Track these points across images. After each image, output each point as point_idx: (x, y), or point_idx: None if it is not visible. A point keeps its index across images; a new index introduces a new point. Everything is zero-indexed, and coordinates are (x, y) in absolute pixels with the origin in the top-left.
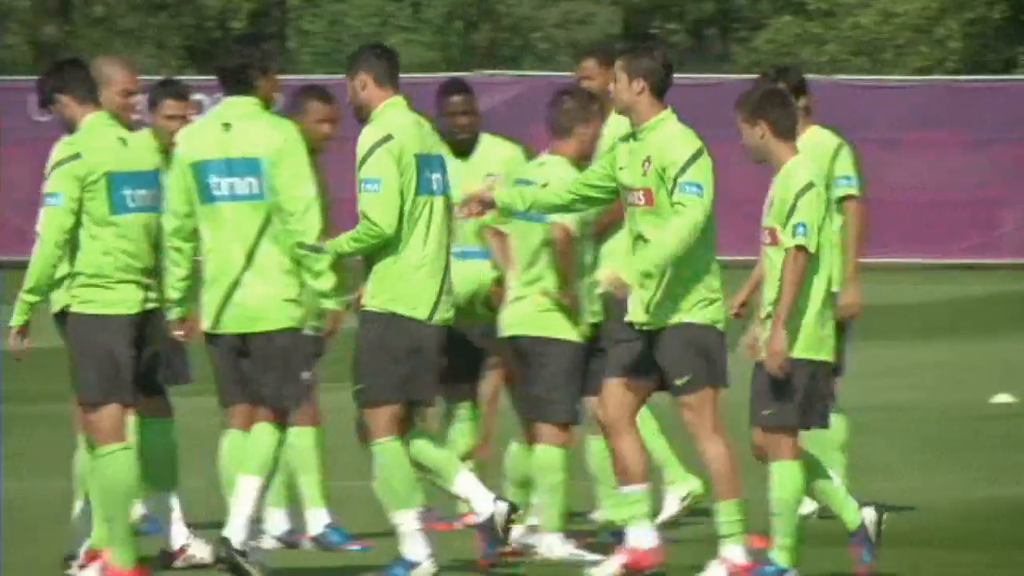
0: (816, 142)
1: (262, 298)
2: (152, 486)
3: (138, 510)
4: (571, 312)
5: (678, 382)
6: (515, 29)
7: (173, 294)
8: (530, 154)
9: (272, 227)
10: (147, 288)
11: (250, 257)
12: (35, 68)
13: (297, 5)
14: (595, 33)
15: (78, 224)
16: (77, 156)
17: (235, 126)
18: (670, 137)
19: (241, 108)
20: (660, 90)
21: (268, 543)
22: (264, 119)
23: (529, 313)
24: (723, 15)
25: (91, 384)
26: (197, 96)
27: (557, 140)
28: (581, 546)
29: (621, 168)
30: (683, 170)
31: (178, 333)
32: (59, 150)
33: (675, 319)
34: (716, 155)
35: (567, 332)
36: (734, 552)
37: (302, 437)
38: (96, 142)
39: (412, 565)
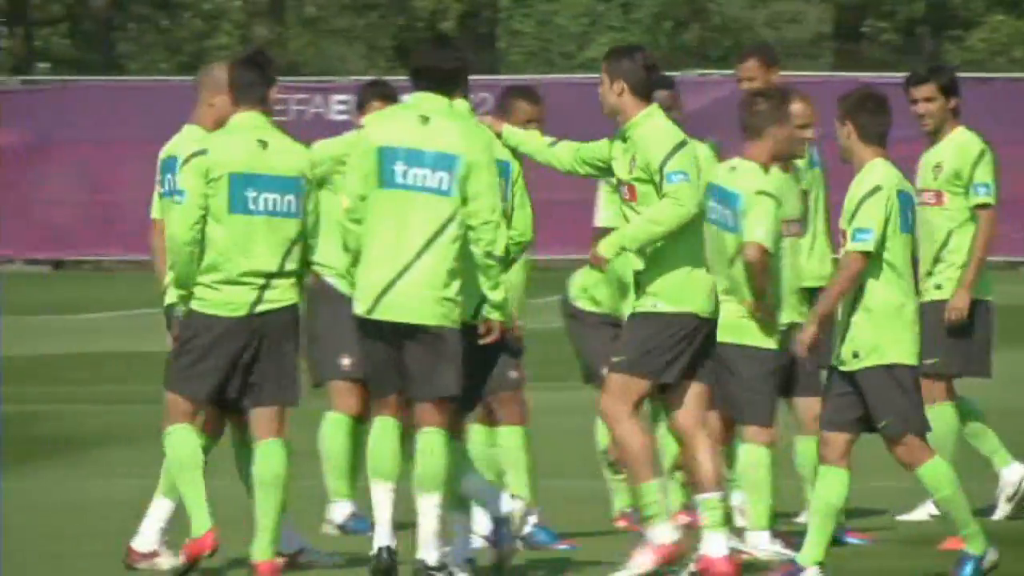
0: (959, 143)
1: (424, 289)
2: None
3: (346, 508)
4: (767, 322)
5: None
6: (725, 29)
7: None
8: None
9: (453, 225)
10: (262, 289)
11: (424, 249)
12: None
13: (507, 5)
14: (805, 32)
15: (204, 220)
16: (204, 152)
17: (433, 120)
18: (651, 133)
19: (437, 104)
20: (641, 89)
21: (476, 543)
22: (462, 120)
23: (728, 320)
24: (934, 13)
25: (175, 374)
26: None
27: (749, 142)
28: (788, 545)
29: (614, 159)
30: (666, 161)
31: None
32: (187, 146)
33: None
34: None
35: (763, 340)
36: None
37: (511, 436)
38: (229, 141)
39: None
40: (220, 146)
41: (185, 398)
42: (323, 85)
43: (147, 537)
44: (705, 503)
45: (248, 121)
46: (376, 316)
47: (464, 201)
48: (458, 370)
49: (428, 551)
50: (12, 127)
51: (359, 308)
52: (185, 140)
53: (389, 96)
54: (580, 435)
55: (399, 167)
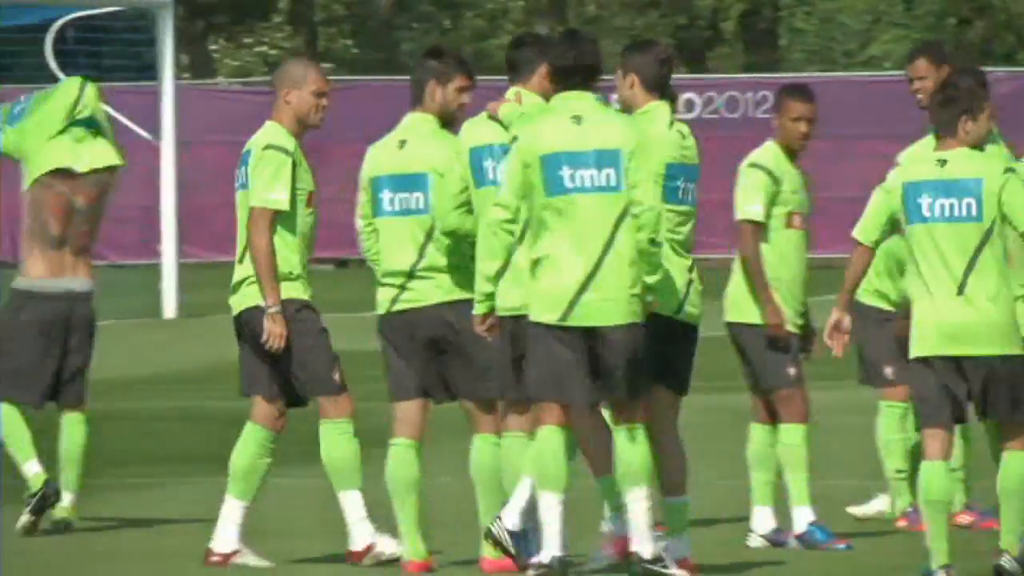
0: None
1: (615, 290)
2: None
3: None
4: None
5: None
6: (1010, 25)
7: (486, 287)
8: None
9: (628, 219)
10: (401, 288)
11: (607, 249)
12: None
13: (789, 3)
14: None
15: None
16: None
17: (586, 119)
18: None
19: (585, 102)
20: (652, 84)
21: (755, 542)
22: (611, 113)
23: None
24: None
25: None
26: (687, 95)
27: None
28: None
29: None
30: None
31: (482, 328)
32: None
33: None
34: None
35: None
36: None
37: (792, 434)
38: (377, 146)
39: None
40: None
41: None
42: (602, 84)
43: (227, 537)
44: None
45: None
46: (570, 323)
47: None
48: (646, 366)
49: (643, 544)
50: None
51: (547, 316)
52: (264, 136)
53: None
54: (858, 434)
55: (565, 172)
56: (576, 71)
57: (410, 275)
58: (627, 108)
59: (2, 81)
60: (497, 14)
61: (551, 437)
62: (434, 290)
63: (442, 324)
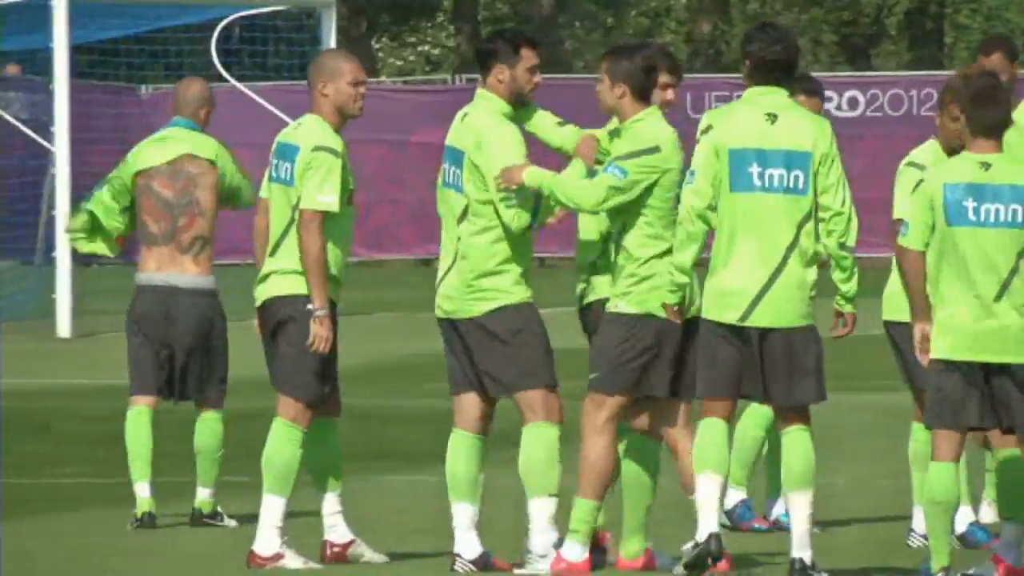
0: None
1: (796, 291)
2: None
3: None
4: None
5: None
6: None
7: (681, 277)
8: None
9: (811, 223)
10: (586, 283)
11: (789, 251)
12: (690, 66)
13: (955, 0)
14: None
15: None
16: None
17: (781, 117)
18: (631, 136)
19: (780, 99)
20: (640, 92)
21: (917, 542)
22: (804, 113)
23: None
24: None
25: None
26: (851, 92)
27: None
28: None
29: (606, 154)
30: (622, 157)
31: (675, 317)
32: (310, 137)
33: None
34: None
35: None
36: None
37: None
38: None
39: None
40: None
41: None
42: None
43: (268, 540)
44: None
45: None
46: (750, 324)
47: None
48: (820, 373)
49: (803, 549)
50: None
51: (726, 316)
52: (311, 135)
53: (812, 90)
54: None
55: (753, 169)
56: (777, 66)
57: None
58: (613, 112)
59: (168, 79)
60: (660, 11)
61: (716, 425)
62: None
63: None
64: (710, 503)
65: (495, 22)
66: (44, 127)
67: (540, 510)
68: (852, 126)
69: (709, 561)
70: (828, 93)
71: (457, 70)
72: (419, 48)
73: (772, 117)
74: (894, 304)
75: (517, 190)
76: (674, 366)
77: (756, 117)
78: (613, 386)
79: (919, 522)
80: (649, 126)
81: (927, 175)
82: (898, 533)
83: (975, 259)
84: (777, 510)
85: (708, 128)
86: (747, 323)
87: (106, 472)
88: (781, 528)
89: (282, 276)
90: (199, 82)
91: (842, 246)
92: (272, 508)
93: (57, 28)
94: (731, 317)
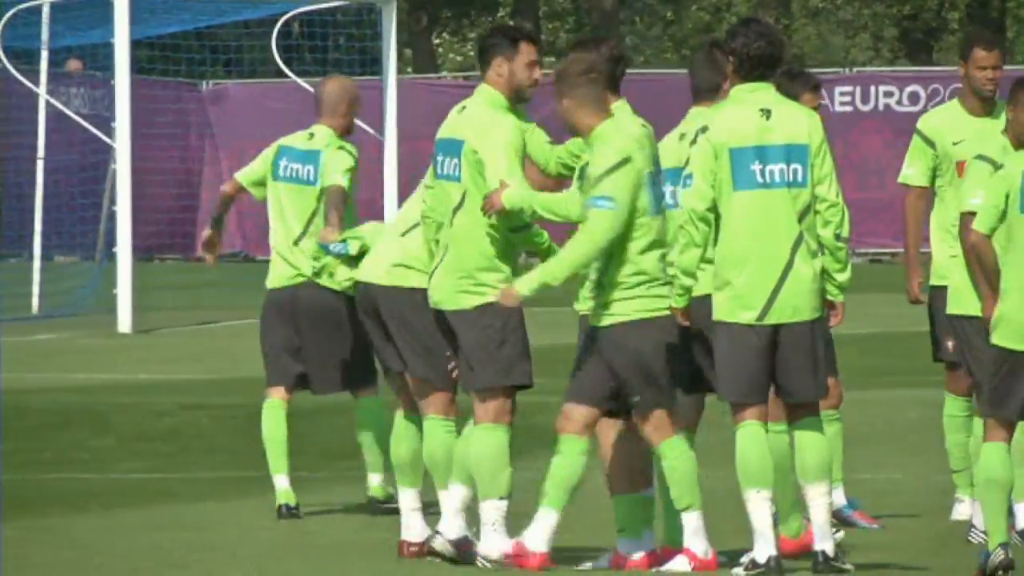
0: None
1: (808, 284)
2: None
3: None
4: None
5: None
6: None
7: (686, 280)
8: None
9: (810, 214)
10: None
11: (797, 245)
12: None
13: None
14: None
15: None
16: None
17: (775, 112)
18: (601, 144)
19: (770, 94)
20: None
21: (978, 538)
22: (794, 106)
23: None
24: None
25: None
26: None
27: None
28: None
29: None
30: (599, 180)
31: (684, 320)
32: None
33: None
34: None
35: None
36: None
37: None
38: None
39: None
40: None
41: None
42: (827, 76)
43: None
44: None
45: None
46: (768, 322)
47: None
48: (826, 362)
49: (825, 541)
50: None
51: (743, 316)
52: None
53: (815, 86)
54: None
55: (755, 166)
56: (762, 61)
57: None
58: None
59: (228, 75)
60: (721, 6)
61: (753, 434)
62: None
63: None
64: (764, 522)
65: (556, 17)
66: (105, 123)
67: (489, 512)
68: (913, 121)
69: None
70: (889, 88)
71: None
72: None
73: (766, 113)
74: (959, 298)
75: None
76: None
77: (751, 114)
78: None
79: (979, 518)
80: (614, 132)
81: (1008, 165)
82: (958, 528)
83: None
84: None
85: (704, 129)
86: (764, 321)
87: (167, 467)
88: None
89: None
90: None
91: (838, 237)
92: (821, 502)
93: (118, 24)
94: (747, 317)
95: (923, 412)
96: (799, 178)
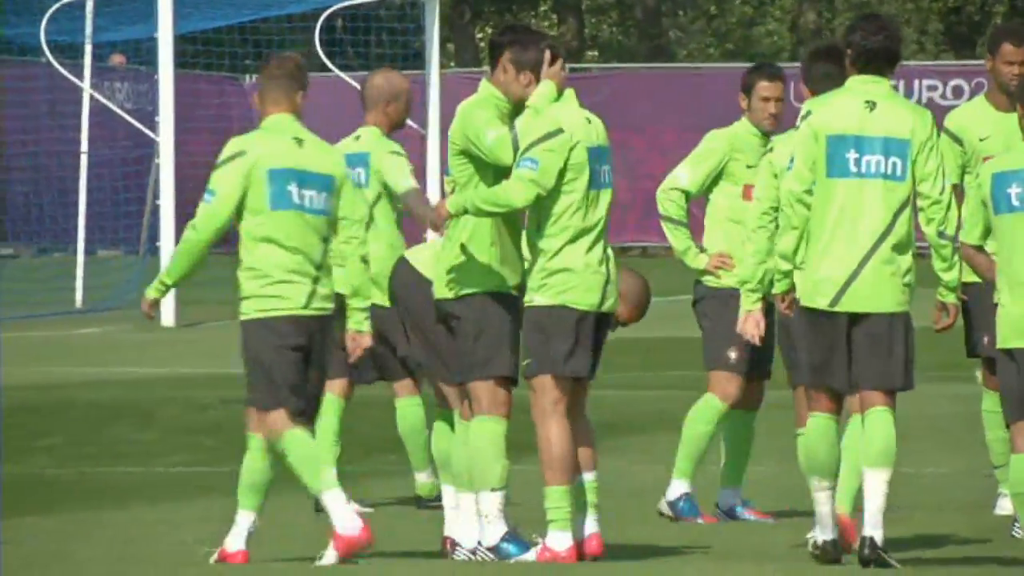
0: None
1: (887, 277)
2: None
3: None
4: None
5: None
6: None
7: (784, 264)
8: None
9: (907, 210)
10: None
11: (883, 237)
12: (793, 54)
13: None
14: None
15: None
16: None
17: (880, 105)
18: (531, 120)
19: (880, 87)
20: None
21: (1020, 533)
22: (904, 102)
23: None
24: None
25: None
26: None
27: None
28: None
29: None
30: (529, 148)
31: (784, 308)
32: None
33: None
34: None
35: None
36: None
37: None
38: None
39: None
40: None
41: None
42: None
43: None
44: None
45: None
46: (840, 308)
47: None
48: (910, 362)
49: (875, 529)
50: None
51: (817, 301)
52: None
53: (774, 75)
54: None
55: (851, 155)
56: (878, 55)
57: None
58: (521, 104)
59: None
60: (765, 0)
61: (822, 425)
62: None
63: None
64: (825, 510)
65: (599, 11)
66: (148, 117)
67: (483, 504)
68: None
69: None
70: (932, 82)
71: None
72: None
73: (871, 105)
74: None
75: (480, 173)
76: (594, 349)
77: (855, 104)
78: (545, 373)
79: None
80: (555, 110)
81: (982, 171)
82: (1002, 523)
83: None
84: (729, 501)
85: (807, 114)
86: (837, 308)
87: (210, 461)
88: (735, 518)
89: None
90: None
91: (941, 234)
92: (879, 489)
93: (161, 18)
94: (822, 303)
95: (960, 407)
96: (897, 172)
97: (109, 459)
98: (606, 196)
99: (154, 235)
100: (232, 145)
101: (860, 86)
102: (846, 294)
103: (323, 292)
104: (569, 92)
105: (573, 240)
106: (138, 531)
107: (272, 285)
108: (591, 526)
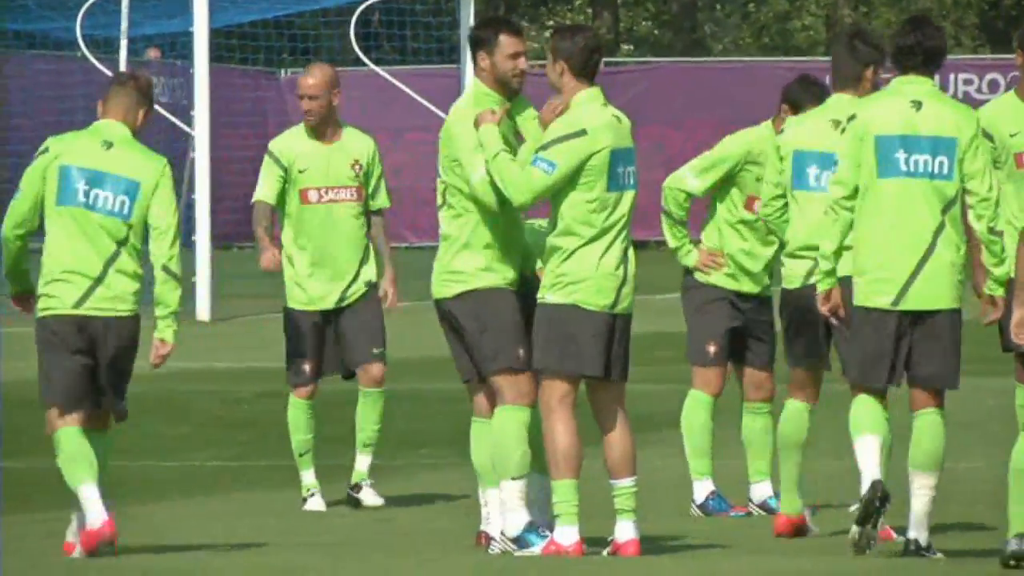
0: None
1: (946, 275)
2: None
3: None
4: None
5: None
6: None
7: (826, 264)
8: None
9: (956, 207)
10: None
11: (937, 235)
12: (828, 49)
13: None
14: None
15: None
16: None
17: (925, 105)
18: (562, 120)
19: (925, 87)
20: (581, 71)
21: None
22: (949, 101)
23: None
24: None
25: None
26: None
27: None
28: None
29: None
30: (545, 146)
31: (826, 308)
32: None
33: None
34: None
35: None
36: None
37: None
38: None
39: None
40: None
41: None
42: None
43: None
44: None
45: None
46: (903, 307)
47: (960, 180)
48: (959, 359)
49: (920, 531)
50: None
51: (878, 301)
52: None
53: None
54: None
55: (900, 155)
56: (917, 53)
57: None
58: (556, 90)
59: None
60: None
61: (868, 400)
62: None
63: None
64: (871, 457)
65: (634, 5)
66: (184, 111)
67: (504, 492)
68: None
69: (877, 504)
70: (968, 76)
71: None
72: None
73: (917, 104)
74: None
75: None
76: (606, 348)
77: (901, 104)
78: (551, 369)
79: None
80: (581, 110)
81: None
82: None
83: None
84: (762, 493)
85: (852, 117)
86: (899, 307)
87: (245, 455)
88: (769, 511)
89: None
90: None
91: (991, 231)
92: (925, 492)
93: (197, 12)
94: (883, 302)
95: (999, 401)
96: (945, 171)
97: (144, 453)
98: (628, 197)
99: (189, 229)
100: (44, 143)
101: (904, 86)
102: (908, 293)
103: (108, 294)
104: (596, 91)
105: (590, 241)
106: (172, 525)
107: (48, 284)
108: (629, 531)
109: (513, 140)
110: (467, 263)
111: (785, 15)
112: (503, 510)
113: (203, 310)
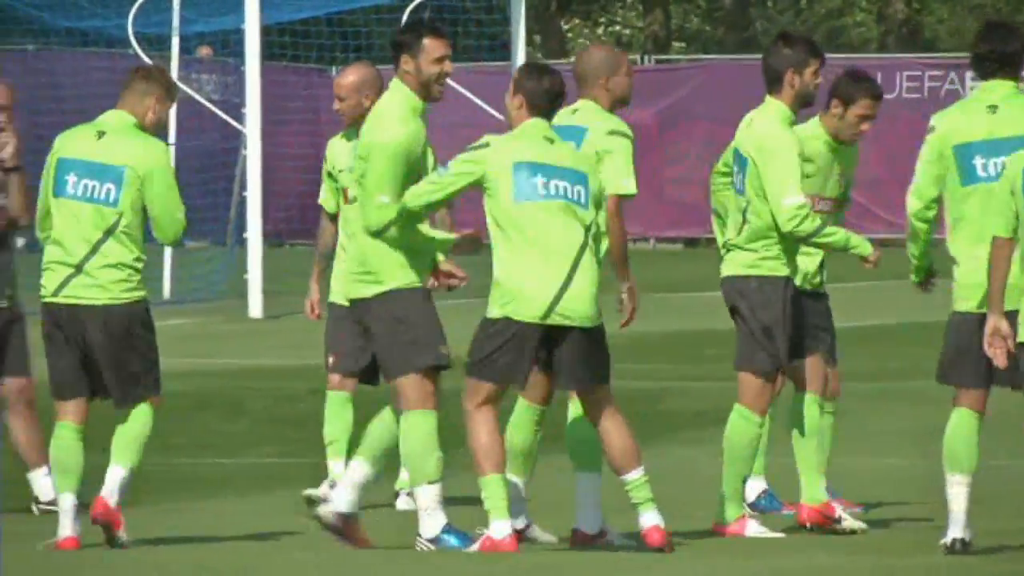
0: None
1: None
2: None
3: (758, 486)
4: None
5: None
6: None
7: (920, 262)
8: None
9: None
10: None
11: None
12: (880, 45)
13: None
14: None
15: None
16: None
17: (1001, 109)
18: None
19: (1004, 90)
20: (536, 109)
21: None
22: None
23: None
24: None
25: None
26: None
27: None
28: None
29: None
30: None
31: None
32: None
33: None
34: None
35: None
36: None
37: None
38: None
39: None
40: None
41: None
42: (958, 61)
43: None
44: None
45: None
46: (983, 310)
47: None
48: None
49: (961, 528)
50: (646, 106)
51: (963, 305)
52: (604, 119)
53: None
54: None
55: (978, 161)
56: (993, 60)
57: None
58: (509, 120)
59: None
60: None
61: (964, 420)
62: None
63: None
64: (959, 505)
65: (686, 2)
66: (236, 109)
67: (421, 497)
68: None
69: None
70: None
71: (647, 51)
72: (609, 28)
73: (993, 108)
74: None
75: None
76: (529, 365)
77: (978, 110)
78: (478, 375)
79: None
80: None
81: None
82: None
83: None
84: (755, 488)
85: (931, 129)
86: (981, 310)
87: (298, 452)
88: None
89: None
90: None
91: None
92: (963, 492)
93: (249, 10)
94: (967, 306)
95: None
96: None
97: (198, 450)
98: (569, 212)
99: (241, 226)
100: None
101: (981, 93)
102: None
103: (87, 282)
104: (542, 122)
105: (522, 253)
106: (226, 521)
107: (43, 273)
108: (650, 519)
109: (428, 146)
110: (382, 262)
111: (838, 12)
112: (422, 514)
113: (255, 307)
